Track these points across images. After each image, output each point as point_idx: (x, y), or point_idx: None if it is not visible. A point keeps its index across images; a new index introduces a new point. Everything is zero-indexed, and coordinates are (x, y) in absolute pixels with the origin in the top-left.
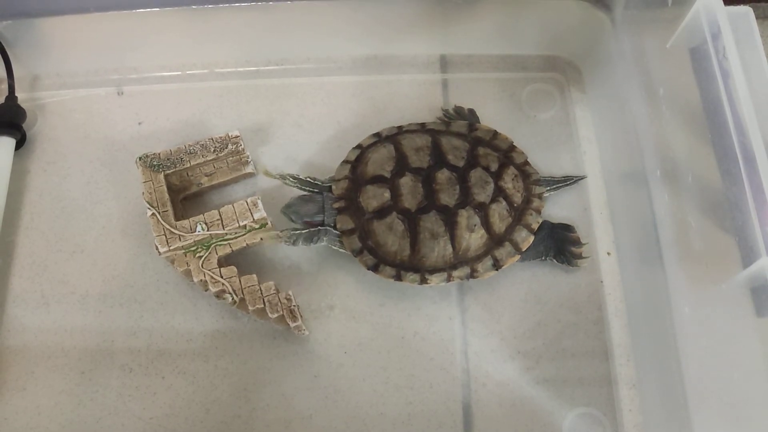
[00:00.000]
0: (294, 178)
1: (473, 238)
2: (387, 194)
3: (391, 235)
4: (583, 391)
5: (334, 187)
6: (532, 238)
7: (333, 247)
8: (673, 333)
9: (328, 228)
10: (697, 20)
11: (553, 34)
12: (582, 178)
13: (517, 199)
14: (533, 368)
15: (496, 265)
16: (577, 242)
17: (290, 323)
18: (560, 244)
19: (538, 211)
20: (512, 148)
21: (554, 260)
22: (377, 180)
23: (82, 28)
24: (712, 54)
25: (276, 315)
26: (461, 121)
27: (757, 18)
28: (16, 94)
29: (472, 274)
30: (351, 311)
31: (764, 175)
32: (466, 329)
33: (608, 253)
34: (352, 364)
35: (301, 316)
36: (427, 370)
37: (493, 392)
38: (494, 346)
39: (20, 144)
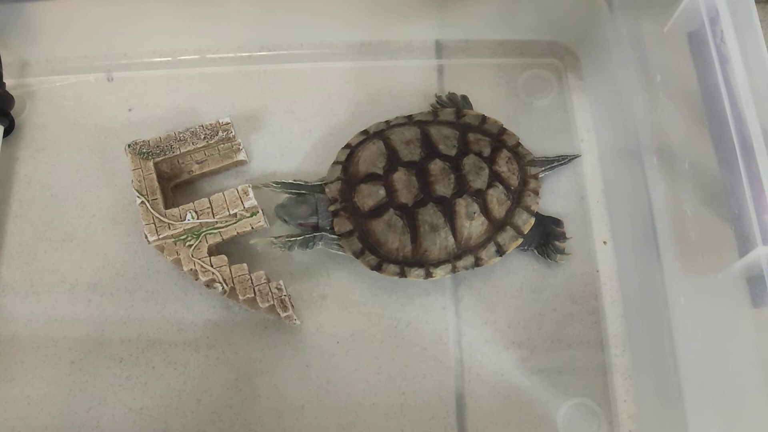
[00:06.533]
0: (277, 183)
1: (474, 226)
2: (382, 191)
3: (391, 232)
4: (577, 381)
5: (327, 189)
6: (533, 220)
7: (331, 250)
8: (669, 323)
9: (324, 233)
10: (695, 3)
11: (551, 19)
12: (576, 157)
13: (514, 181)
14: (528, 359)
15: (500, 251)
16: (562, 236)
17: (281, 313)
18: (545, 237)
19: (536, 192)
20: (503, 131)
21: (536, 251)
22: (370, 178)
23: (72, 13)
24: (710, 38)
25: (267, 305)
26: (448, 109)
27: (756, 2)
28: (4, 81)
29: (477, 263)
30: (343, 301)
31: (762, 163)
32: (459, 319)
33: (604, 242)
34: (344, 355)
35: (293, 306)
36: (420, 361)
37: (487, 383)
38: (488, 337)
39: (8, 131)
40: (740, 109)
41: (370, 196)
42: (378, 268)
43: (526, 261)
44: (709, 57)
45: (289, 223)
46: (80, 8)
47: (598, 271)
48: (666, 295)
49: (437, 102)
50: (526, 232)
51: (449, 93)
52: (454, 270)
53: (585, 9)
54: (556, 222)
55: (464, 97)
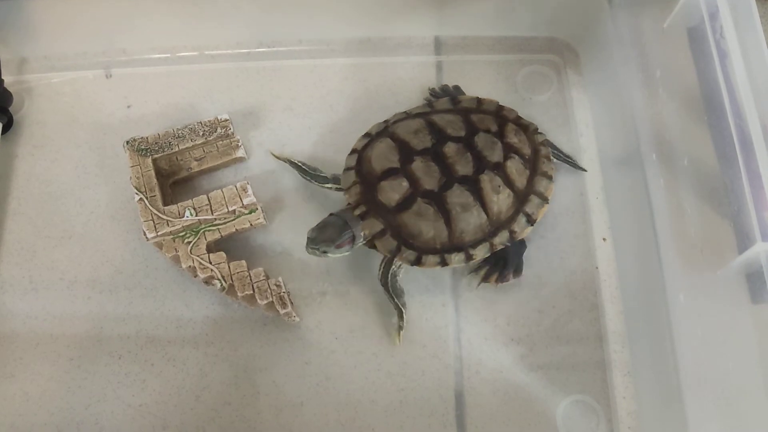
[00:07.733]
0: (292, 163)
1: (501, 199)
2: (405, 183)
3: (423, 221)
4: (577, 378)
5: (347, 195)
6: (553, 186)
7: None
8: (668, 319)
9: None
10: None
11: (550, 15)
12: (581, 170)
13: (527, 150)
14: (527, 355)
15: (530, 221)
16: (505, 278)
17: (280, 310)
18: (507, 259)
19: (548, 158)
20: (500, 107)
21: (483, 266)
22: (389, 173)
23: (70, 10)
24: (710, 34)
25: (265, 302)
26: (443, 99)
27: None
28: (2, 77)
29: (512, 236)
30: (343, 297)
31: (761, 159)
32: (459, 316)
33: (604, 239)
34: (343, 351)
35: (292, 303)
36: (420, 357)
37: (486, 380)
38: (488, 334)
39: (7, 128)
40: (740, 105)
41: (394, 190)
42: (418, 261)
43: (525, 257)
44: (708, 53)
45: (328, 252)
46: (79, 5)
47: (597, 268)
48: (665, 292)
49: (431, 95)
50: (549, 197)
51: (442, 85)
52: (492, 248)
53: (584, 5)
54: (519, 266)
55: (456, 87)
